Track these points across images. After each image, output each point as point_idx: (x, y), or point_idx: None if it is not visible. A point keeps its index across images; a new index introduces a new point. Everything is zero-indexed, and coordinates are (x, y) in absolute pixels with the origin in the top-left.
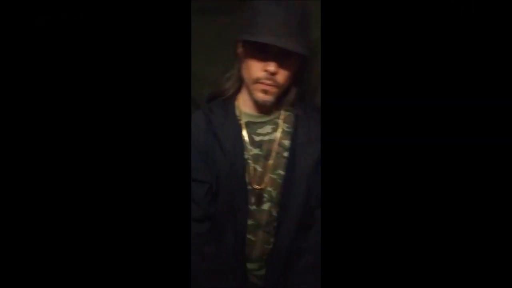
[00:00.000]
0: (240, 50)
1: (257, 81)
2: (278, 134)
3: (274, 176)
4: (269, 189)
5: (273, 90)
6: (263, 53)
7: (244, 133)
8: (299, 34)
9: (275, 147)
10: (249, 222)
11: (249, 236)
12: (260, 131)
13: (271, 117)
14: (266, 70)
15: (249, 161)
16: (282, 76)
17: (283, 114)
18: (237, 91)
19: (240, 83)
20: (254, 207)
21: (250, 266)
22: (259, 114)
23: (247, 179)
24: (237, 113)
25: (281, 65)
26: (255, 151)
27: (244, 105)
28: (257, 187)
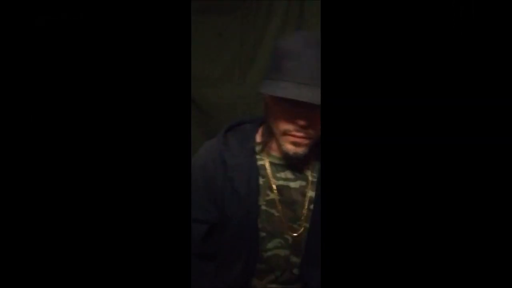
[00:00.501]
0: (267, 99)
1: (286, 132)
2: (301, 182)
3: (296, 226)
4: (298, 240)
5: (305, 142)
6: (292, 106)
7: (261, 179)
8: (319, 78)
9: (297, 196)
10: (259, 266)
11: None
12: (281, 175)
13: (300, 168)
14: (296, 123)
15: (267, 208)
16: (314, 129)
17: (311, 162)
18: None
19: (271, 133)
20: (270, 253)
21: None
22: (283, 160)
23: (259, 224)
24: (257, 150)
25: (313, 117)
26: (272, 197)
27: (274, 150)
28: (294, 235)
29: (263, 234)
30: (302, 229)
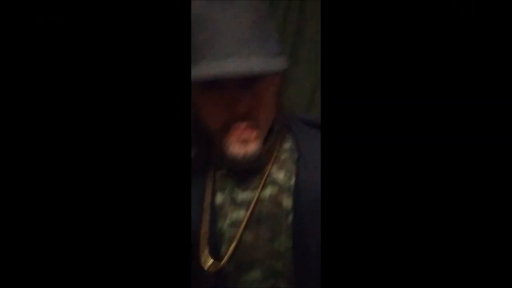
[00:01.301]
0: (193, 97)
1: (225, 131)
2: (273, 189)
3: (277, 246)
4: (272, 261)
5: (254, 134)
6: (222, 90)
7: (219, 196)
8: (261, 44)
9: (272, 208)
10: None
11: None
12: (242, 186)
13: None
14: (233, 114)
15: (226, 231)
16: (260, 113)
17: (274, 157)
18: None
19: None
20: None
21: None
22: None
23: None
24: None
25: (253, 98)
26: (236, 214)
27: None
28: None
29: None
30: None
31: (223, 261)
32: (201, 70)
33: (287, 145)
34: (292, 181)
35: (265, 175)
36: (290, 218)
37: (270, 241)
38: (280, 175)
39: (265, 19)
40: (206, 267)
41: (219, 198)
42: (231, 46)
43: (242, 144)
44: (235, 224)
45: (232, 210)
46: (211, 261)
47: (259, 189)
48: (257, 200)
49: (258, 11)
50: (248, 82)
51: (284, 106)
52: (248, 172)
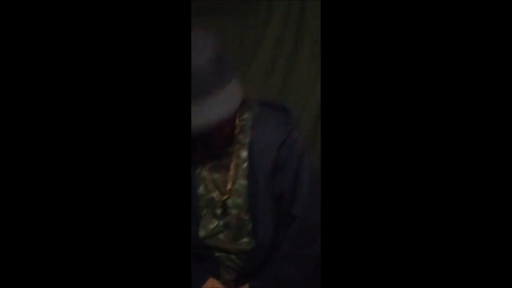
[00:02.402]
0: None
1: None
2: (235, 146)
3: (237, 186)
4: (235, 198)
5: None
6: None
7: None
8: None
9: (233, 159)
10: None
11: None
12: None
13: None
14: None
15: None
16: None
17: (238, 124)
18: None
19: None
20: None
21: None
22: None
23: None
24: None
25: None
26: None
27: None
28: (222, 198)
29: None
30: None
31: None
32: None
33: (245, 116)
34: (247, 139)
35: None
36: (245, 165)
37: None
38: (240, 137)
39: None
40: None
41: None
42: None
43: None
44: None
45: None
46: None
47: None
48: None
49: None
50: None
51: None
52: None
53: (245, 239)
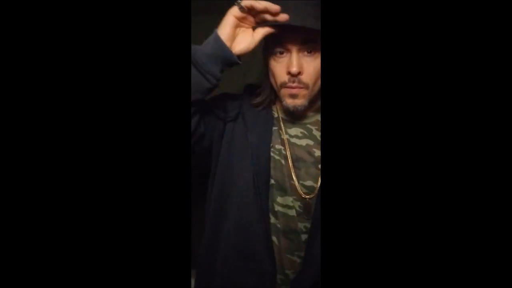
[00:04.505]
0: (264, 56)
1: (283, 85)
2: (308, 141)
3: (300, 187)
4: (295, 198)
5: (302, 92)
6: (283, 53)
7: (275, 128)
8: (316, 16)
9: (303, 154)
10: (272, 221)
11: (273, 237)
12: (289, 131)
13: (305, 120)
14: (289, 73)
15: (274, 155)
16: (308, 75)
17: (320, 121)
18: (273, 101)
19: (273, 92)
20: (279, 208)
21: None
22: (291, 117)
23: (271, 172)
24: (274, 110)
25: (304, 63)
26: (280, 147)
27: (280, 110)
28: (306, 196)
29: (272, 181)
30: (314, 193)
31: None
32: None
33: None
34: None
35: (305, 130)
36: (319, 165)
37: (298, 180)
38: (316, 133)
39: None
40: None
41: (273, 128)
42: (297, 13)
43: (293, 98)
44: (277, 151)
45: (278, 143)
46: None
47: (296, 138)
48: (294, 145)
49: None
50: (303, 51)
51: None
52: (295, 123)
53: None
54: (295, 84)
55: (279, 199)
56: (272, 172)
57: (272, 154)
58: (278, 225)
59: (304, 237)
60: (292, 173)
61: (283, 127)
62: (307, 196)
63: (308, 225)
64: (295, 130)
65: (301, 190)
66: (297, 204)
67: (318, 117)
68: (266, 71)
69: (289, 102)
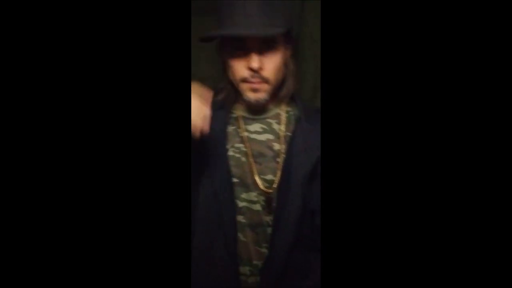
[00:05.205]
0: (221, 52)
1: (244, 80)
2: (268, 135)
3: (261, 181)
4: (264, 195)
5: (263, 87)
6: (242, 49)
7: (231, 127)
8: (274, 19)
9: (264, 149)
10: (238, 218)
11: (238, 234)
12: (249, 128)
13: (265, 115)
14: (250, 68)
15: (234, 154)
16: (268, 71)
17: (282, 115)
18: (234, 97)
19: (233, 87)
20: (244, 203)
21: (241, 270)
22: (251, 112)
23: (232, 171)
24: (233, 108)
25: (265, 58)
26: (240, 145)
27: (240, 105)
28: (267, 190)
29: (234, 179)
30: (273, 187)
31: None
32: (228, 30)
33: (289, 109)
34: (285, 133)
35: (265, 125)
36: (278, 159)
37: (261, 172)
38: (276, 127)
39: (273, 4)
40: None
41: (230, 128)
42: (252, 18)
43: (254, 92)
44: (237, 149)
45: (237, 142)
46: None
47: (257, 134)
48: (254, 141)
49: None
50: (263, 46)
51: (292, 73)
52: (254, 119)
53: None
54: (256, 79)
55: (243, 195)
56: (234, 170)
57: (232, 153)
58: (244, 220)
59: (270, 230)
60: (254, 169)
61: (242, 125)
62: (269, 190)
63: (270, 219)
64: (255, 126)
65: (263, 184)
66: (261, 198)
67: (278, 110)
68: (224, 67)
69: (251, 95)
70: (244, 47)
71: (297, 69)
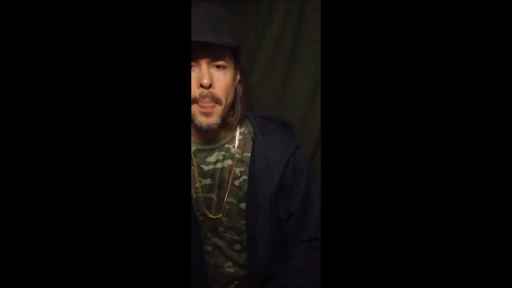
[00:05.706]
0: None
1: (194, 101)
2: (229, 161)
3: (228, 206)
4: (225, 219)
5: (215, 110)
6: (192, 66)
7: (192, 164)
8: (221, 31)
9: (227, 175)
10: (207, 248)
11: (209, 259)
12: (209, 159)
13: (221, 142)
14: (201, 85)
15: (200, 193)
16: (219, 89)
17: (236, 137)
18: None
19: None
20: (210, 235)
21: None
22: (206, 142)
23: (199, 210)
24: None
25: (215, 76)
26: (206, 181)
27: (192, 135)
28: (212, 216)
29: (201, 217)
30: (221, 211)
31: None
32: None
33: (243, 129)
34: (244, 156)
35: (225, 152)
36: (239, 181)
37: (224, 200)
38: (233, 151)
39: (223, 17)
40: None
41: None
42: (201, 29)
43: (206, 116)
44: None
45: (201, 178)
46: None
47: (220, 162)
48: (219, 169)
49: (219, 11)
50: (214, 63)
51: (241, 97)
52: (212, 149)
53: (229, 264)
54: (207, 100)
55: (209, 229)
56: (202, 209)
57: (196, 195)
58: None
59: (237, 246)
60: (225, 195)
61: (199, 161)
62: (215, 216)
63: (237, 237)
64: (215, 156)
65: (228, 211)
66: (227, 225)
67: (234, 133)
68: None
69: (202, 120)
70: (193, 64)
71: (246, 96)
